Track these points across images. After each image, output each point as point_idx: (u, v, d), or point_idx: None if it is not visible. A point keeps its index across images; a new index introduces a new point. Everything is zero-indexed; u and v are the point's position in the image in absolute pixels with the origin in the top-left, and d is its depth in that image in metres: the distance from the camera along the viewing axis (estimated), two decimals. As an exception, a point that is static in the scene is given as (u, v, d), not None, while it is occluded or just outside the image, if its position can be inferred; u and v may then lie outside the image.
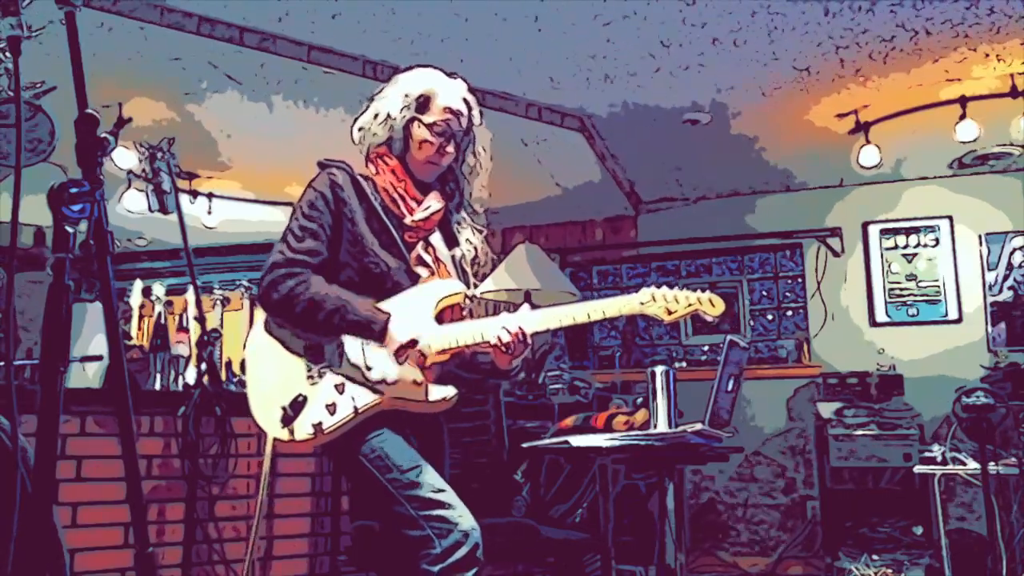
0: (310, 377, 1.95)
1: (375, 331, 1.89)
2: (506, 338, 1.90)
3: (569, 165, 4.97)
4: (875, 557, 4.33)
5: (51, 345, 1.21)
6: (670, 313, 1.91)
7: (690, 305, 1.91)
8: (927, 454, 4.09)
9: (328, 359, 1.95)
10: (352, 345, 1.94)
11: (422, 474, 1.85)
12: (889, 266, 5.37)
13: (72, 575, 2.57)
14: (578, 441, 2.57)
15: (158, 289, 3.74)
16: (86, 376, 3.03)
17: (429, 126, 2.03)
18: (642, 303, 1.92)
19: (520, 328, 1.91)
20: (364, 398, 1.90)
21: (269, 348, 2.00)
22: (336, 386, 1.92)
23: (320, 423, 1.90)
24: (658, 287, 1.93)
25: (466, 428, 2.88)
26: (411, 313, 1.93)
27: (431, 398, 1.92)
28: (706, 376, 3.12)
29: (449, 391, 1.93)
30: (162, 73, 3.81)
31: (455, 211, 2.14)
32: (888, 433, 4.45)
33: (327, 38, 3.67)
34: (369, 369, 1.91)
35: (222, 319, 4.43)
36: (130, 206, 4.61)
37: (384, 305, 1.95)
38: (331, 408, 1.90)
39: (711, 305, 1.91)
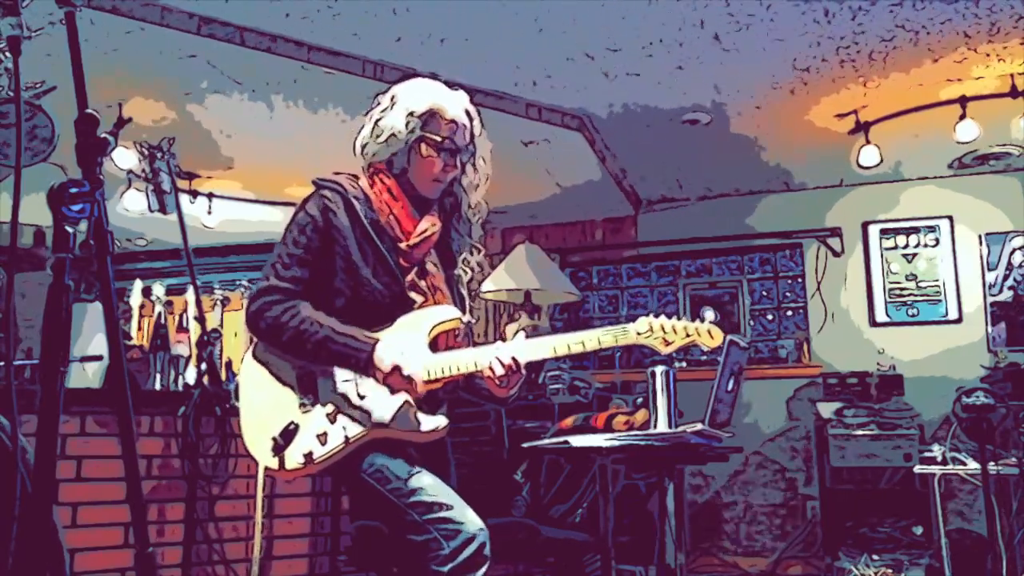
0: (303, 405, 1.93)
1: (360, 362, 1.87)
2: (499, 370, 1.88)
3: (569, 165, 4.97)
4: (875, 557, 4.33)
5: (51, 345, 1.21)
6: (667, 344, 1.90)
7: (688, 336, 1.91)
8: (927, 454, 4.09)
9: (320, 388, 1.93)
10: (344, 375, 1.92)
11: (422, 480, 1.84)
12: (889, 266, 5.36)
13: (72, 575, 2.57)
14: (578, 441, 2.57)
15: (158, 289, 3.74)
16: (86, 376, 3.03)
17: (435, 144, 1.99)
18: (639, 333, 1.90)
19: (513, 359, 1.88)
20: (355, 428, 1.89)
21: (262, 375, 1.98)
22: (328, 415, 1.90)
23: (311, 453, 1.88)
24: (656, 317, 1.92)
25: (466, 428, 2.89)
26: (405, 340, 1.91)
27: (422, 429, 1.90)
28: (706, 376, 3.12)
29: (441, 421, 1.91)
30: (162, 73, 3.81)
31: (454, 226, 2.12)
32: (888, 433, 4.45)
33: (327, 38, 3.67)
34: (362, 398, 1.90)
35: (222, 319, 4.43)
36: (130, 206, 4.61)
37: (378, 333, 1.92)
38: (322, 438, 1.89)
39: (709, 337, 1.91)
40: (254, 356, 2.01)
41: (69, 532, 2.57)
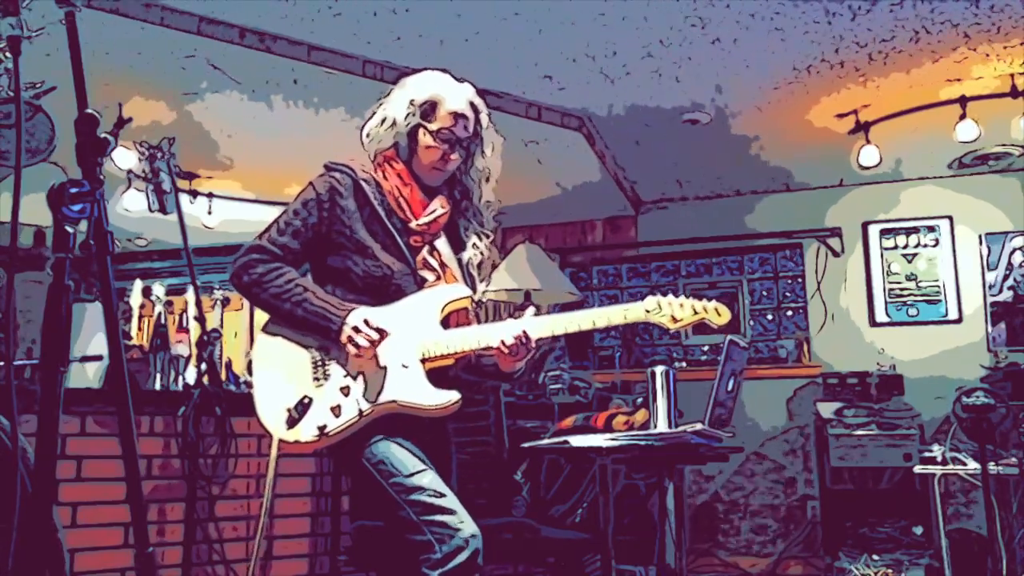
0: (316, 379, 1.95)
1: (334, 325, 1.90)
2: (510, 341, 1.92)
3: (569, 165, 4.97)
4: (875, 557, 4.32)
5: (51, 345, 1.21)
6: (676, 321, 1.95)
7: (696, 313, 1.96)
8: (927, 454, 4.08)
9: (334, 363, 1.95)
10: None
11: (424, 479, 1.85)
12: (889, 266, 5.36)
13: (72, 575, 2.58)
14: (578, 441, 2.57)
15: (158, 289, 3.74)
16: (86, 376, 3.03)
17: (434, 133, 2.04)
18: (647, 311, 1.96)
19: (524, 332, 1.92)
20: (368, 402, 1.91)
21: (275, 349, 2.00)
22: (341, 389, 1.93)
23: (324, 426, 1.90)
24: (663, 295, 1.96)
25: (466, 428, 2.88)
26: (416, 318, 1.95)
27: (436, 403, 1.92)
28: (706, 376, 3.12)
29: (453, 395, 1.93)
30: (162, 73, 3.81)
31: (462, 215, 2.15)
32: (888, 433, 4.45)
33: (327, 38, 3.67)
34: (376, 371, 1.92)
35: (222, 319, 4.42)
36: (130, 206, 4.61)
37: (389, 309, 1.96)
38: (336, 411, 1.91)
39: (716, 314, 1.96)
40: (266, 331, 2.03)
41: (69, 532, 2.57)
